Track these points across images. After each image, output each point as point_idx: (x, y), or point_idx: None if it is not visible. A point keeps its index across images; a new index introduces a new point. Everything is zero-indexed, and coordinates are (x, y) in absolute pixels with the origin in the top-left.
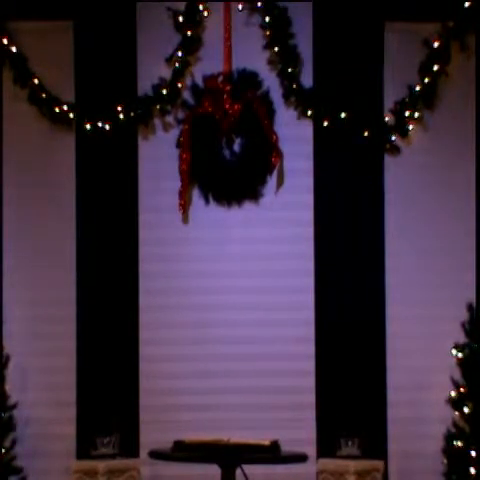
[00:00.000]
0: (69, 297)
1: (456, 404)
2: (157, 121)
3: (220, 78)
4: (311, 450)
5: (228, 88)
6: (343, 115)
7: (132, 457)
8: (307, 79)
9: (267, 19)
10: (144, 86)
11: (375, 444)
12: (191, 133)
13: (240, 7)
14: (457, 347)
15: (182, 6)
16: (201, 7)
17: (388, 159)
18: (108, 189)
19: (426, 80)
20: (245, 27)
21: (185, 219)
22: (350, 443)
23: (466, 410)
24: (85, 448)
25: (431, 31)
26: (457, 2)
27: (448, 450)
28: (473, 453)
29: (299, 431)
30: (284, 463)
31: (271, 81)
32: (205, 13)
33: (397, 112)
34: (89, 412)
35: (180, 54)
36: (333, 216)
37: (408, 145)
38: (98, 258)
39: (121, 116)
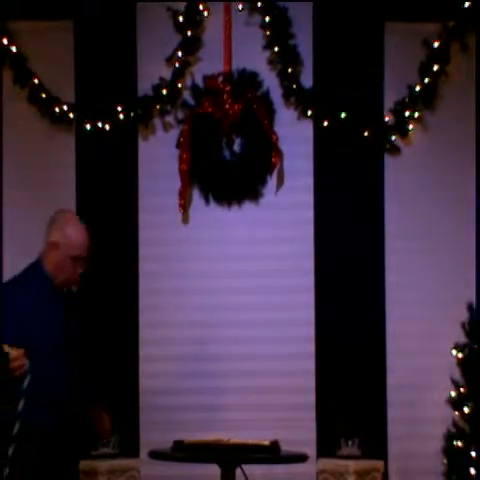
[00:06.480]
0: None
1: (456, 404)
2: (157, 121)
3: (220, 78)
4: (311, 450)
5: (228, 88)
6: (343, 115)
7: (132, 457)
8: (307, 79)
9: (267, 19)
10: (144, 86)
11: (375, 444)
12: (191, 133)
13: (240, 7)
14: (457, 347)
15: (182, 6)
16: (201, 7)
17: (388, 159)
18: (108, 189)
19: (426, 80)
20: (245, 27)
21: (185, 219)
22: (350, 443)
23: (466, 410)
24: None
25: (431, 31)
26: (457, 2)
27: (448, 450)
28: (473, 453)
29: (299, 431)
30: (284, 463)
31: (271, 81)
32: (205, 13)
33: (397, 112)
34: None
35: (180, 54)
36: (333, 216)
37: (408, 145)
38: (98, 258)
39: (121, 116)
